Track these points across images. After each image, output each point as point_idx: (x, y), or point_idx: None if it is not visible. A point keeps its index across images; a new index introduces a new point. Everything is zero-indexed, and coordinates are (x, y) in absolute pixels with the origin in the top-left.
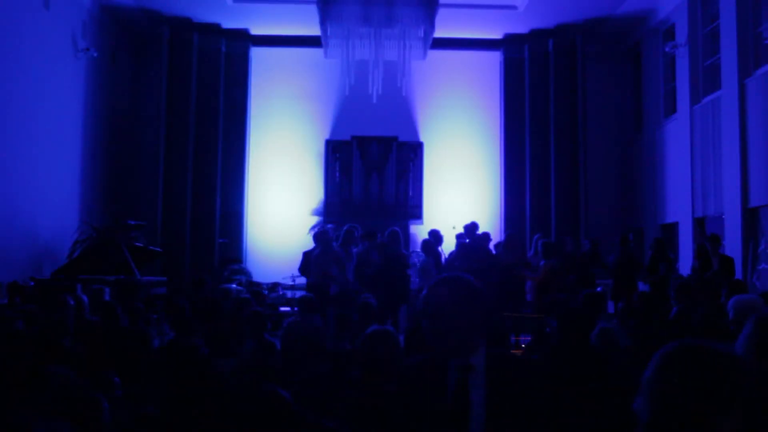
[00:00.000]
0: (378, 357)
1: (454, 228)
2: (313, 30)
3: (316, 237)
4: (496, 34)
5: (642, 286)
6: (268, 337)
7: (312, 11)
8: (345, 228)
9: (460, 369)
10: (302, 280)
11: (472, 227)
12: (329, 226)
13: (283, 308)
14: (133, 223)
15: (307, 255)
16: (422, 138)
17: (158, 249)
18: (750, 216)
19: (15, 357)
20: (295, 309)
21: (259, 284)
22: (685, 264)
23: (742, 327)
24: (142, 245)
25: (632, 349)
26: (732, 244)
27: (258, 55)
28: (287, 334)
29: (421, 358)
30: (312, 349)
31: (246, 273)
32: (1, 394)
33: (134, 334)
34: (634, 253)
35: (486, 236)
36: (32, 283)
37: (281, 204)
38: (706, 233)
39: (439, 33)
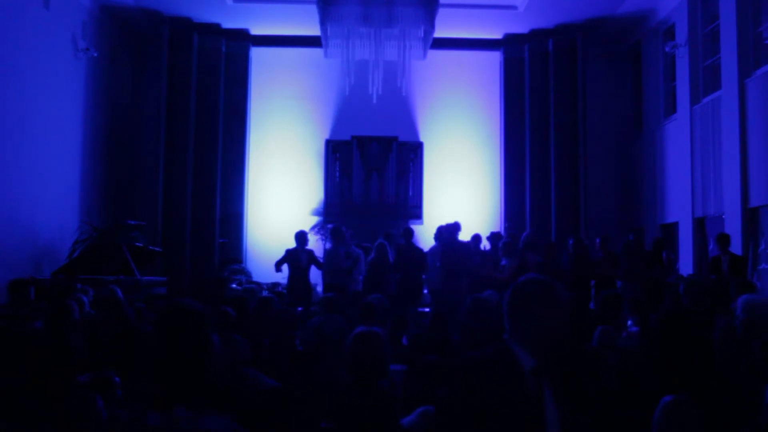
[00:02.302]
0: (365, 358)
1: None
2: (313, 30)
3: (332, 232)
4: (496, 34)
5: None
6: (236, 336)
7: (312, 11)
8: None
9: (537, 371)
10: None
11: (451, 228)
12: (329, 225)
13: None
14: (133, 223)
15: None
16: (422, 138)
17: (158, 249)
18: (750, 216)
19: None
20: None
21: (259, 284)
22: (685, 264)
23: (751, 326)
24: (142, 245)
25: (644, 352)
26: (732, 244)
27: (258, 55)
28: (308, 335)
29: (486, 353)
30: (334, 350)
31: (246, 273)
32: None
33: (136, 334)
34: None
35: (475, 237)
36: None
37: (281, 204)
38: (707, 237)
39: (439, 33)
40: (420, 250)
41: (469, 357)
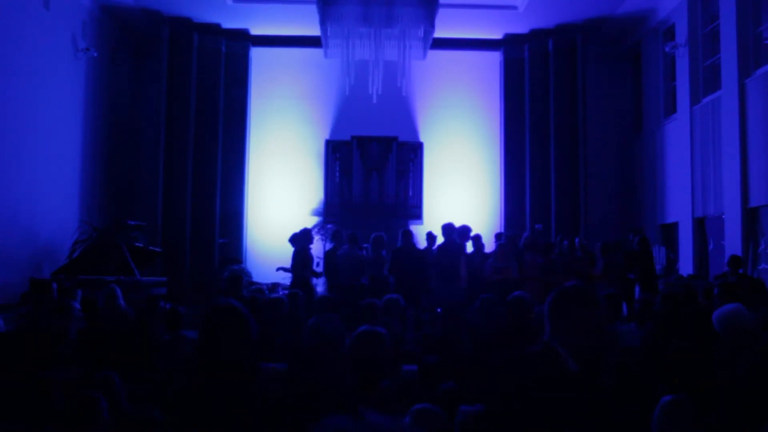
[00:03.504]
0: (367, 357)
1: (538, 227)
2: (313, 30)
3: (349, 237)
4: (496, 34)
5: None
6: (186, 333)
7: (312, 11)
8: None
9: (584, 373)
10: None
11: (448, 228)
12: (329, 226)
13: None
14: (133, 223)
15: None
16: (422, 138)
17: (158, 249)
18: (750, 216)
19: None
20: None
21: (259, 284)
22: (685, 264)
23: (729, 337)
24: (142, 245)
25: (644, 351)
26: (732, 244)
27: (258, 55)
28: (307, 335)
29: (533, 353)
30: (331, 350)
31: (246, 273)
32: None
33: (139, 334)
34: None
35: (474, 237)
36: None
37: (281, 204)
38: (707, 237)
39: (439, 33)
40: (419, 252)
41: (518, 355)
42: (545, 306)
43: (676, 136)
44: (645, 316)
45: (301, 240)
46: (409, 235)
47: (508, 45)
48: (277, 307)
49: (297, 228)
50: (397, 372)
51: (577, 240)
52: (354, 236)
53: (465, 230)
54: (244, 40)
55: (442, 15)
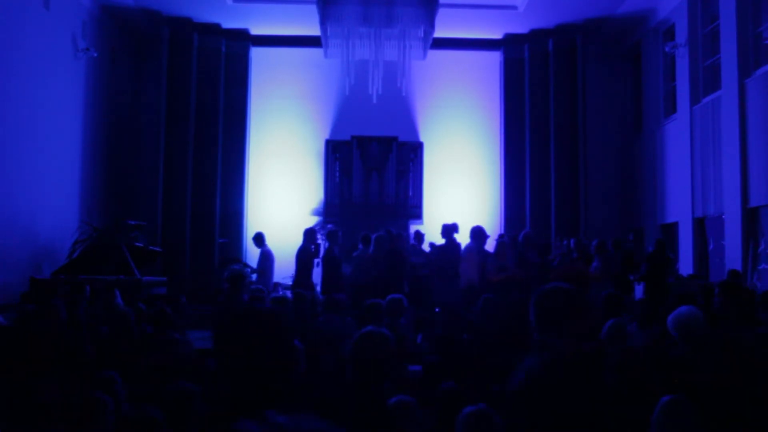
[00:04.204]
0: (370, 358)
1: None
2: (313, 30)
3: (363, 238)
4: (496, 34)
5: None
6: (177, 334)
7: (312, 11)
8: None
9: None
10: None
11: (449, 228)
12: (329, 226)
13: None
14: (133, 223)
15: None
16: (422, 138)
17: (158, 249)
18: (750, 216)
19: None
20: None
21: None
22: (685, 264)
23: (686, 342)
24: (142, 245)
25: (650, 352)
26: (732, 244)
27: (258, 55)
28: (313, 335)
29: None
30: (334, 349)
31: (246, 273)
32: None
33: (138, 334)
34: (633, 255)
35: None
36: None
37: (281, 204)
38: (707, 237)
39: (439, 33)
40: (400, 252)
41: (520, 358)
42: (530, 307)
43: (676, 136)
44: (650, 318)
45: (306, 239)
46: (391, 234)
47: (508, 45)
48: (281, 307)
49: (296, 228)
50: (403, 372)
51: (573, 240)
52: (368, 237)
53: (480, 232)
54: (244, 40)
55: (442, 15)
